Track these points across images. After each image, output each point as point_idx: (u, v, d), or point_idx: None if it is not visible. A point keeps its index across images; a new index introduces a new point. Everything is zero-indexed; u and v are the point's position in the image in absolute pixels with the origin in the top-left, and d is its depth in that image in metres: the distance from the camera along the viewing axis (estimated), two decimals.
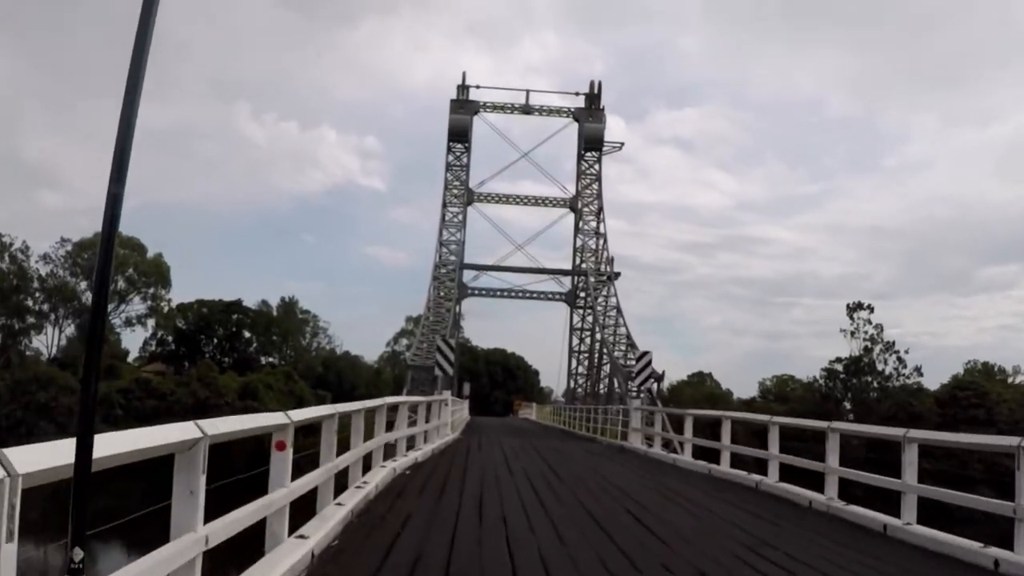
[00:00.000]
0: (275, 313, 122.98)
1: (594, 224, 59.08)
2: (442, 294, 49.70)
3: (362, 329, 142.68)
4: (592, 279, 50.56)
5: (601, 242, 57.13)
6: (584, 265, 56.06)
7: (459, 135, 59.49)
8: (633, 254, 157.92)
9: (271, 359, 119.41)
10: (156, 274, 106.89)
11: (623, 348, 40.55)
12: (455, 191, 59.33)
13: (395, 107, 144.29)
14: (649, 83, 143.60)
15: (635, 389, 24.65)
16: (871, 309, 60.72)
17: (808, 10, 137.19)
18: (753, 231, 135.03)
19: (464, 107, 59.61)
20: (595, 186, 60.20)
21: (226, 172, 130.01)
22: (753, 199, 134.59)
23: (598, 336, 47.88)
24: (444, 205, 58.17)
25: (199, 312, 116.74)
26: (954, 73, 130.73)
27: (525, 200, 61.92)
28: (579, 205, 60.51)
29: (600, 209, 59.49)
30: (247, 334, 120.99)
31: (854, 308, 60.72)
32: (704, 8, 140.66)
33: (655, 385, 27.07)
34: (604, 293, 50.41)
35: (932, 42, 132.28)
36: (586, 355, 54.60)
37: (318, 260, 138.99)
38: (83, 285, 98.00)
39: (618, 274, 51.00)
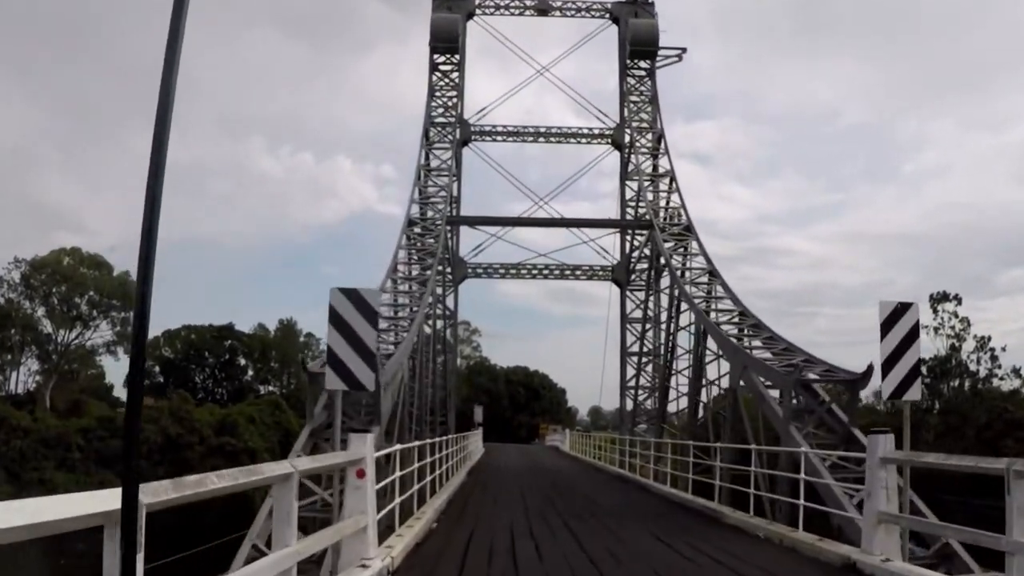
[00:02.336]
0: (272, 336, 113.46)
1: (651, 164, 40.28)
2: (416, 259, 30.25)
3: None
4: (660, 234, 32.40)
5: (668, 183, 37.95)
6: (647, 217, 37.23)
7: (445, 42, 40.96)
8: None
9: (271, 387, 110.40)
10: (122, 296, 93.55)
11: (736, 329, 23.11)
12: (441, 123, 39.64)
13: (410, 134, 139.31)
14: (664, 98, 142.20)
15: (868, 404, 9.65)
16: (958, 300, 45.83)
17: (821, 21, 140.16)
18: (773, 243, 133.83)
19: (453, 5, 41.57)
20: (649, 110, 41.94)
21: (242, 206, 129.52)
22: (772, 211, 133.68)
23: (670, 320, 31.01)
24: (425, 138, 38.44)
25: (187, 339, 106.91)
26: (968, 79, 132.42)
27: (546, 134, 44.20)
28: (627, 138, 42.48)
29: (660, 139, 40.99)
30: (242, 361, 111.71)
31: (938, 299, 45.81)
32: (717, 22, 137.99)
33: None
34: (681, 251, 31.65)
35: (945, 49, 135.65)
36: (649, 357, 37.85)
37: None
38: (41, 311, 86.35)
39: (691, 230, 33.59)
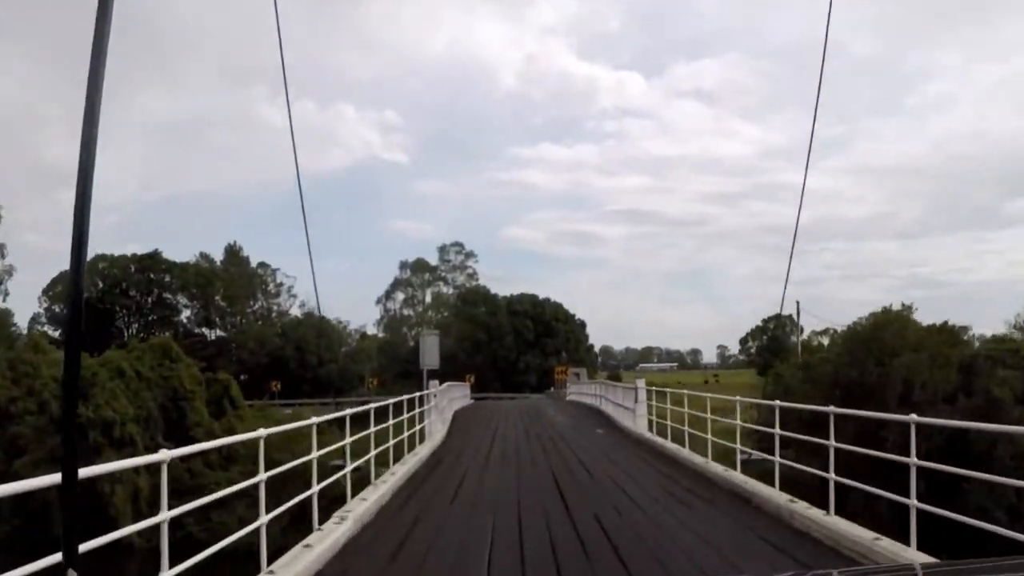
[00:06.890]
0: (219, 267, 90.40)
1: None
2: None
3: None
4: None
5: None
6: None
7: None
8: (658, 209, 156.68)
9: (218, 331, 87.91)
10: None
11: None
12: None
13: (413, 80, 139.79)
14: (667, 37, 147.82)
15: None
16: None
17: None
18: (779, 178, 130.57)
19: None
20: None
21: (244, 158, 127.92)
22: (778, 146, 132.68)
23: None
24: None
25: (107, 273, 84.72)
26: (975, 7, 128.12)
27: None
28: None
29: None
30: (182, 299, 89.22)
31: None
32: None
33: None
34: None
35: None
36: None
37: (342, 238, 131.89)
38: None
39: None
